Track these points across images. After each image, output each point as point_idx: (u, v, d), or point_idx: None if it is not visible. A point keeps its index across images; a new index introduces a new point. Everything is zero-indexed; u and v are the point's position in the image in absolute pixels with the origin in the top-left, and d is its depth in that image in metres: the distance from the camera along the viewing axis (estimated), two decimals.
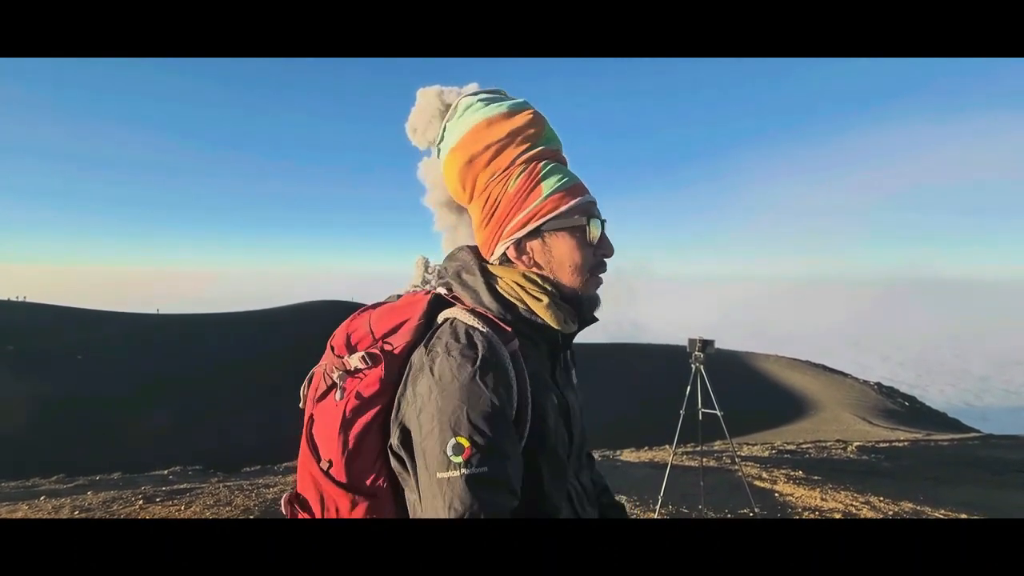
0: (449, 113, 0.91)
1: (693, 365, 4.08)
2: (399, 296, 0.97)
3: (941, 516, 4.73)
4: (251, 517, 4.18)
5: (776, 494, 5.21)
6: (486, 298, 0.84)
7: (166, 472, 7.13)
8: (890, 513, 4.71)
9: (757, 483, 5.51)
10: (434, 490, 0.70)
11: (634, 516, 4.32)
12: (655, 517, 4.09)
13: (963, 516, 4.75)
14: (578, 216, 0.85)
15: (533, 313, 0.84)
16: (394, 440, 0.77)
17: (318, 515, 0.82)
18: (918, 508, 4.96)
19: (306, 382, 0.91)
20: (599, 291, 0.90)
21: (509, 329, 0.80)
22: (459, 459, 0.69)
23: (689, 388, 4.04)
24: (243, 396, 21.09)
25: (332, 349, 0.89)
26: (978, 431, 18.01)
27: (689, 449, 6.91)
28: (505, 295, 0.85)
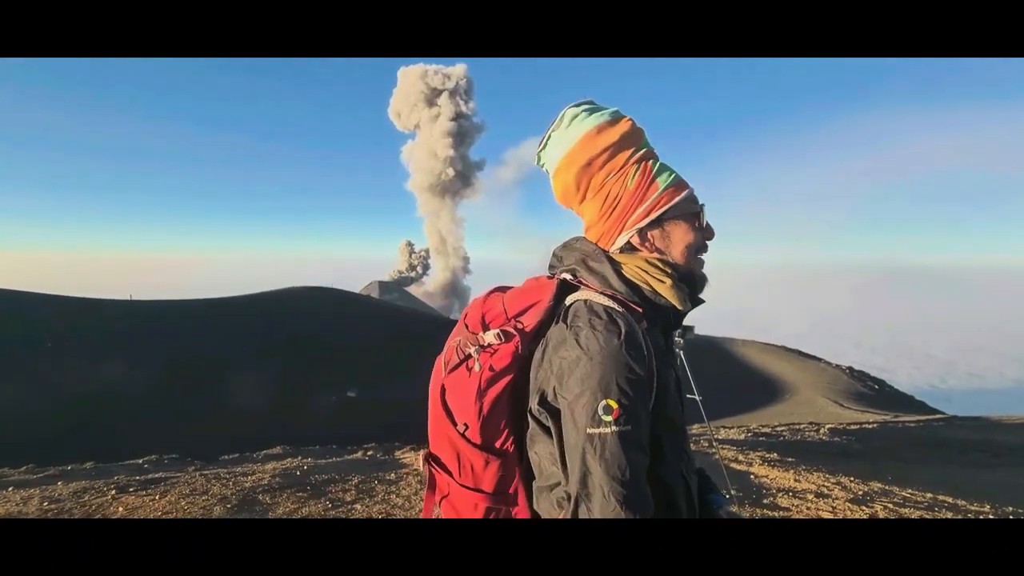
0: (554, 124, 0.99)
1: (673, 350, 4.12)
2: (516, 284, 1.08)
3: (908, 495, 4.91)
4: (228, 506, 4.12)
5: (752, 476, 5.34)
6: (615, 282, 0.92)
7: (141, 461, 6.97)
8: (860, 493, 4.87)
9: (733, 465, 5.64)
10: (585, 444, 0.80)
11: None
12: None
13: (928, 495, 4.94)
14: (691, 204, 0.96)
15: (657, 294, 0.92)
16: (533, 404, 0.89)
17: (455, 471, 0.94)
18: (887, 487, 5.14)
19: (439, 359, 1.00)
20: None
21: (640, 310, 0.90)
22: (609, 418, 0.79)
23: None
24: (223, 384, 20.76)
25: (467, 326, 0.99)
26: (943, 413, 18.76)
27: None
28: (631, 278, 0.94)
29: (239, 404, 19.24)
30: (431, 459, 0.98)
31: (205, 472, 5.55)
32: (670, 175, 0.96)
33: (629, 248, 0.97)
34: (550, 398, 0.87)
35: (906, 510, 4.43)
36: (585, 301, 0.90)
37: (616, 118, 0.97)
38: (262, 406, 19.27)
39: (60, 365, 20.13)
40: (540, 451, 0.89)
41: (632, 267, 0.94)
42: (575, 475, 0.81)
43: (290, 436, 10.32)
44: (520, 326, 0.94)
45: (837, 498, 4.66)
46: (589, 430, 0.80)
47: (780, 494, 4.77)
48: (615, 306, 0.88)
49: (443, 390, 0.96)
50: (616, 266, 0.95)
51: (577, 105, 0.99)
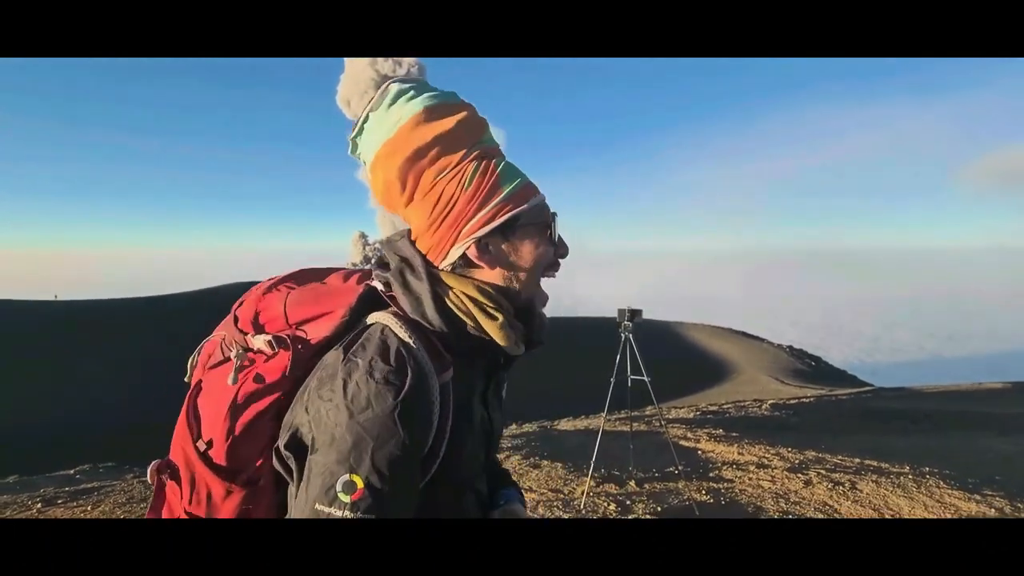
0: (372, 102, 0.79)
1: (622, 334, 4.23)
2: (326, 271, 0.89)
3: (839, 461, 5.29)
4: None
5: (699, 452, 5.59)
6: (430, 311, 0.74)
7: (72, 471, 6.49)
8: (797, 461, 5.20)
9: (682, 443, 5.88)
10: (307, 519, 0.64)
11: (568, 480, 4.49)
12: (642, 516, 4.25)
13: (856, 460, 5.34)
14: (542, 213, 0.81)
15: (483, 331, 0.75)
16: (282, 442, 0.70)
17: (185, 495, 0.75)
18: (820, 455, 5.51)
19: (198, 349, 0.85)
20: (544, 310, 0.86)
21: (448, 355, 0.73)
22: (347, 499, 0.63)
23: (619, 356, 4.20)
24: (159, 387, 19.64)
25: (236, 320, 0.82)
26: (871, 385, 20.27)
27: (622, 415, 7.25)
28: (454, 308, 0.76)
29: (177, 407, 18.25)
30: (166, 470, 0.78)
31: (144, 479, 5.24)
32: (518, 176, 0.79)
33: (464, 263, 0.79)
34: (302, 439, 0.69)
35: (837, 474, 4.77)
36: (382, 330, 0.72)
37: (452, 103, 0.80)
38: None
39: None
40: (291, 488, 0.71)
41: (460, 293, 0.76)
42: None
43: None
44: (302, 336, 0.77)
45: (776, 468, 4.97)
46: (318, 505, 0.63)
47: (725, 467, 5.02)
48: (415, 345, 0.70)
49: (197, 389, 0.80)
50: (439, 289, 0.76)
51: (401, 81, 0.81)
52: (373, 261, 0.87)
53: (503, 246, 0.79)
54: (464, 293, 0.76)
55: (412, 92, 0.79)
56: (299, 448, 0.69)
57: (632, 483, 4.44)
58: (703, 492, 4.31)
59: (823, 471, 4.89)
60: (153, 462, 0.79)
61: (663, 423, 5.99)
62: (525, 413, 9.47)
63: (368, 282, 0.81)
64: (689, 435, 6.30)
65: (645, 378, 4.13)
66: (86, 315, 24.94)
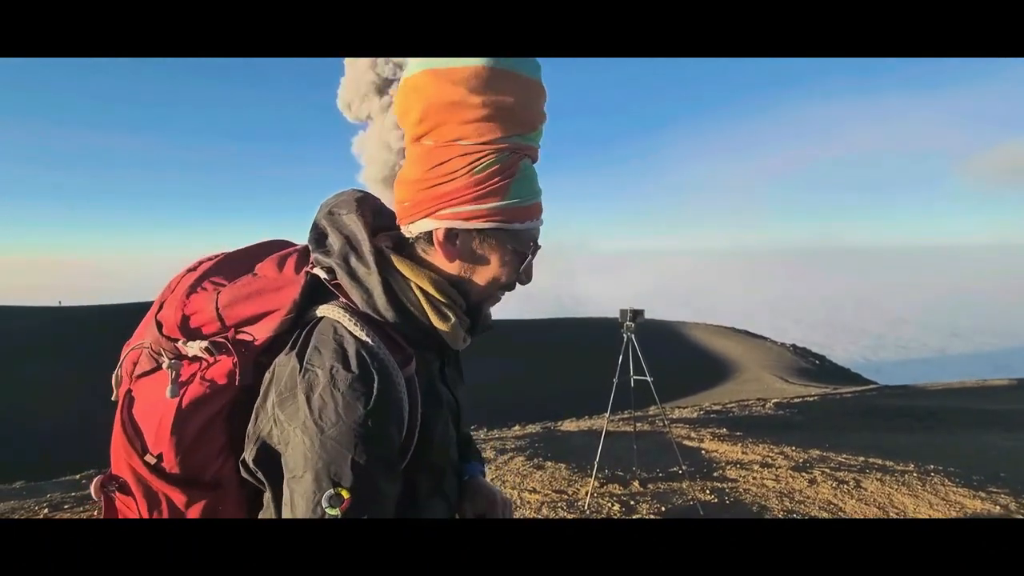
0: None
1: (624, 334, 4.24)
2: (251, 256, 0.82)
3: (843, 460, 5.28)
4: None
5: (703, 451, 5.59)
6: (381, 304, 0.70)
7: (78, 477, 6.53)
8: (801, 460, 5.19)
9: (686, 443, 5.87)
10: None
11: (572, 481, 4.49)
12: (643, 517, 4.25)
13: (861, 458, 5.33)
14: (529, 236, 0.75)
15: (433, 328, 0.72)
16: (248, 456, 0.67)
17: (142, 508, 0.71)
18: (824, 454, 5.50)
19: (123, 355, 0.78)
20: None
21: (408, 347, 0.70)
22: (335, 512, 0.61)
23: (621, 356, 4.21)
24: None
25: (160, 327, 0.74)
26: (875, 383, 20.20)
27: (625, 416, 7.25)
28: (408, 304, 0.71)
29: None
30: (112, 485, 0.73)
31: None
32: (530, 191, 0.73)
33: (426, 240, 0.73)
34: (270, 456, 0.66)
35: (841, 473, 4.76)
36: (335, 328, 0.68)
37: (528, 75, 0.70)
38: None
39: None
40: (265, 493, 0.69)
41: (413, 286, 0.72)
42: None
43: None
44: (245, 338, 0.71)
45: (780, 467, 4.96)
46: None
47: (728, 466, 5.02)
48: (372, 342, 0.66)
49: (129, 399, 0.74)
50: (391, 280, 0.71)
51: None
52: (308, 235, 0.78)
53: (472, 247, 0.73)
54: (418, 286, 0.72)
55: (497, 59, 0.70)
56: (269, 463, 0.66)
57: (636, 483, 4.44)
58: (707, 492, 4.31)
59: (827, 470, 4.88)
60: (95, 478, 0.73)
61: (666, 423, 5.99)
62: (528, 414, 9.48)
63: (308, 269, 0.74)
64: (693, 435, 6.29)
65: (648, 378, 4.14)
66: (90, 321, 25.03)
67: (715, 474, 4.81)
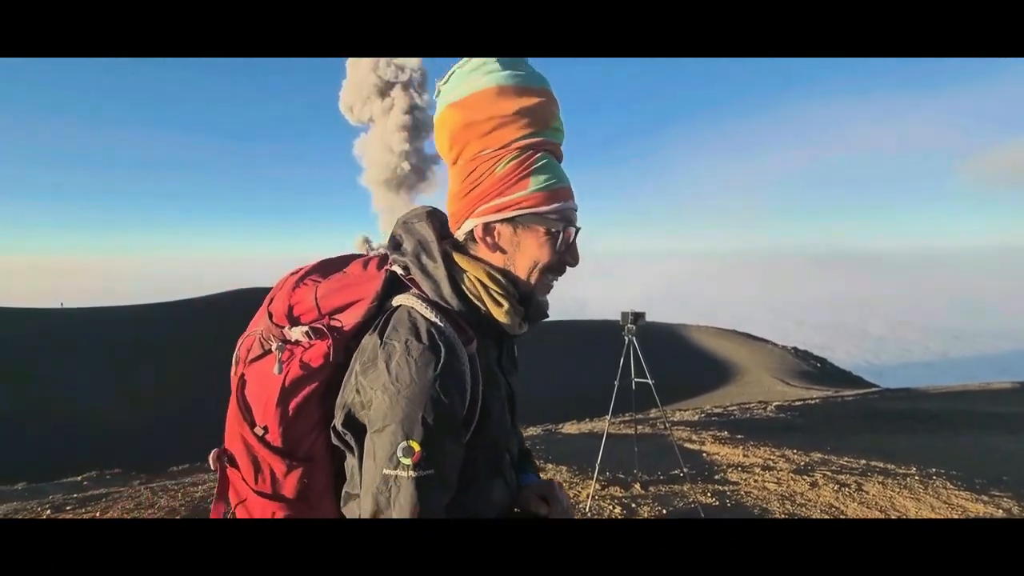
0: (464, 62, 0.84)
1: (626, 337, 4.24)
2: (343, 261, 0.96)
3: (844, 463, 5.27)
4: (177, 518, 3.94)
5: (704, 454, 5.58)
6: (447, 292, 0.82)
7: (79, 478, 6.54)
8: (802, 463, 5.18)
9: (687, 445, 5.87)
10: (379, 484, 0.73)
11: (573, 484, 4.49)
12: (646, 517, 4.25)
13: (863, 461, 5.32)
14: (556, 218, 0.83)
15: (490, 314, 0.83)
16: (338, 422, 0.79)
17: (249, 477, 0.83)
18: (826, 457, 5.49)
19: (239, 343, 0.91)
20: (548, 296, 0.91)
21: (470, 330, 0.81)
22: (408, 461, 0.72)
23: (622, 359, 4.20)
24: (165, 394, 19.70)
25: (270, 316, 0.88)
26: (877, 386, 20.15)
27: (626, 418, 7.24)
28: (468, 293, 0.83)
29: (189, 411, 18.32)
30: (225, 457, 0.86)
31: (151, 485, 5.27)
32: (549, 178, 0.83)
33: (470, 239, 0.86)
34: (356, 417, 0.78)
35: (843, 476, 4.75)
36: (409, 312, 0.80)
37: (529, 86, 0.82)
38: (214, 413, 18.41)
39: None
40: (351, 458, 0.81)
41: (472, 279, 0.83)
42: (366, 510, 0.74)
43: None
44: (337, 324, 0.83)
45: (782, 470, 4.95)
46: (385, 471, 0.72)
47: (730, 469, 5.01)
48: (440, 323, 0.78)
49: (243, 382, 0.86)
50: (454, 273, 0.83)
51: (507, 60, 0.84)
52: (387, 242, 0.92)
53: (508, 236, 0.84)
54: (477, 278, 0.83)
55: (497, 66, 0.82)
56: (355, 426, 0.78)
57: (637, 486, 4.44)
58: (708, 495, 4.30)
59: (829, 473, 4.87)
60: (213, 450, 0.87)
61: (668, 426, 5.98)
62: (529, 417, 9.47)
63: (388, 267, 0.87)
64: (694, 437, 6.28)
65: (649, 381, 4.13)
66: (91, 323, 25.08)
67: (716, 477, 4.80)
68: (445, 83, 0.86)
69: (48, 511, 4.25)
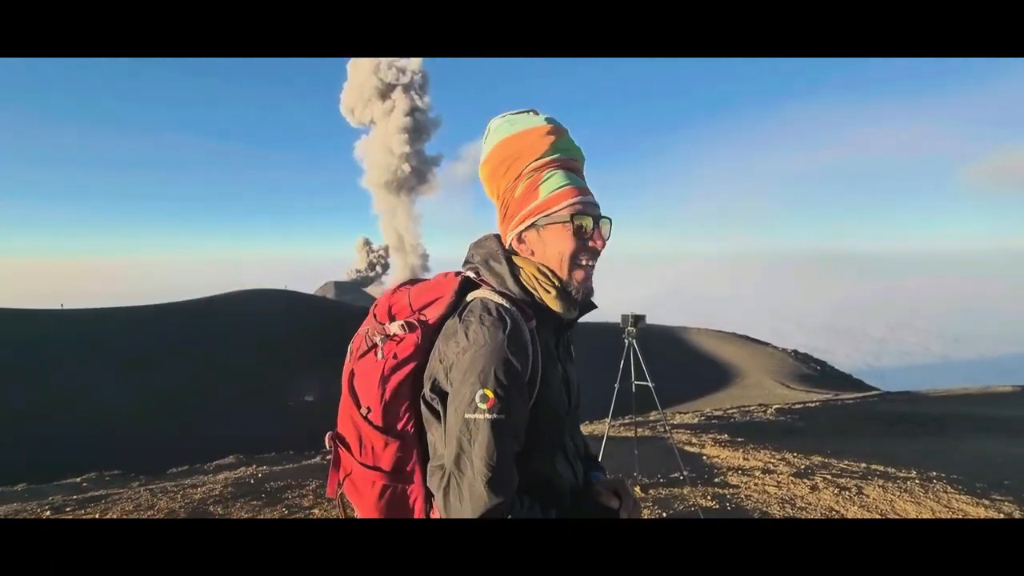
0: (485, 132, 1.11)
1: (626, 340, 4.24)
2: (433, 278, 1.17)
3: (845, 466, 5.26)
4: (176, 519, 3.93)
5: (704, 457, 5.57)
6: (511, 284, 1.02)
7: (79, 480, 6.53)
8: (803, 467, 5.17)
9: (687, 448, 5.86)
10: (461, 427, 0.89)
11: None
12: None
13: (863, 465, 5.31)
14: (564, 212, 1.01)
15: (543, 301, 1.01)
16: (427, 391, 0.97)
17: (356, 452, 1.01)
18: (826, 460, 5.49)
19: (351, 343, 1.08)
20: (592, 281, 1.07)
21: (530, 311, 0.99)
22: (484, 406, 0.88)
23: (622, 362, 4.20)
24: (164, 395, 19.69)
25: (375, 316, 1.08)
26: (878, 389, 20.12)
27: (626, 421, 7.23)
28: (525, 283, 1.03)
29: (189, 413, 18.30)
30: (337, 439, 1.05)
31: (151, 487, 5.27)
32: (557, 184, 1.04)
33: (514, 248, 1.08)
34: (441, 385, 0.95)
35: (843, 479, 4.75)
36: (482, 299, 0.99)
37: (527, 128, 1.05)
38: (214, 415, 18.41)
39: None
40: (435, 433, 0.97)
41: (527, 273, 1.04)
42: (450, 454, 0.90)
43: (244, 444, 9.91)
44: (423, 318, 1.02)
45: (782, 473, 4.94)
46: (466, 415, 0.89)
47: (730, 472, 5.00)
48: (507, 304, 0.97)
49: (352, 374, 1.05)
50: (514, 269, 1.05)
51: (504, 115, 1.10)
52: (464, 263, 1.15)
53: (535, 239, 1.05)
54: (531, 273, 1.04)
55: (506, 124, 1.08)
56: (440, 391, 0.95)
57: (637, 489, 4.43)
58: (708, 498, 4.29)
59: (829, 476, 4.86)
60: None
61: (668, 428, 5.97)
62: None
63: (463, 273, 1.09)
64: (694, 440, 6.28)
65: (649, 383, 4.13)
66: (91, 324, 25.08)
67: (716, 480, 4.79)
68: (484, 141, 1.11)
69: (48, 512, 4.25)
